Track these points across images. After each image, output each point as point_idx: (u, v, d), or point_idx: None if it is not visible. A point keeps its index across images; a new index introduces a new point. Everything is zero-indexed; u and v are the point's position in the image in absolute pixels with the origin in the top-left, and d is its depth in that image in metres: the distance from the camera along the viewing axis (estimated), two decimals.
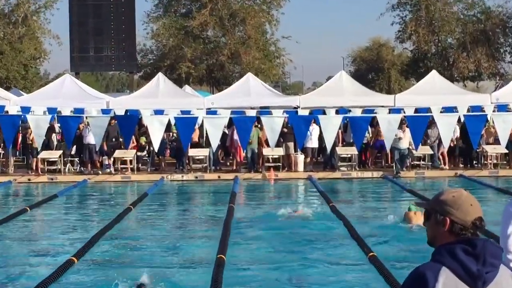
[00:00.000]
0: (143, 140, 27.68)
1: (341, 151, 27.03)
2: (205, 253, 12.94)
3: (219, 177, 26.25)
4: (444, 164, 26.93)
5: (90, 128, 26.03)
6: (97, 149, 26.57)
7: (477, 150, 26.75)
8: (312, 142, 26.56)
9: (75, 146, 27.46)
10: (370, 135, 27.48)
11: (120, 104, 30.81)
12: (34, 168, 26.79)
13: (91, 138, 26.18)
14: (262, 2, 50.75)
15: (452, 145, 26.66)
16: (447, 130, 24.91)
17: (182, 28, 49.04)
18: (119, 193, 24.46)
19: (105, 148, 26.85)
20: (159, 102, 30.41)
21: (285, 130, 26.19)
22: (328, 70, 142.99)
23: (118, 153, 26.85)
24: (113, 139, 27.09)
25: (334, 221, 16.18)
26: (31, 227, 16.96)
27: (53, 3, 50.03)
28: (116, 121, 26.17)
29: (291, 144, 26.60)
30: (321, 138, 25.97)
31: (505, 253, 4.71)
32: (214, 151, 26.35)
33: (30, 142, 26.96)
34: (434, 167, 26.61)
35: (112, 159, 26.78)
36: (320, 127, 25.55)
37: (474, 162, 27.21)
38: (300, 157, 26.59)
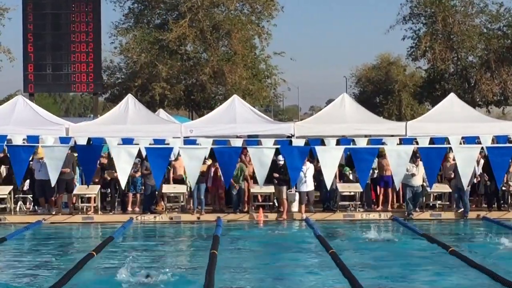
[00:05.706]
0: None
1: (343, 188, 27.19)
2: None
3: (198, 218, 26.40)
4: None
5: (42, 161, 25.96)
6: (52, 185, 26.38)
7: (503, 188, 26.96)
8: (307, 185, 26.73)
9: (28, 181, 27.44)
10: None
11: (82, 131, 30.86)
12: None
13: (44, 172, 26.11)
14: (251, 12, 50.93)
15: (475, 181, 26.89)
16: (467, 165, 25.01)
17: (156, 42, 49.16)
18: (80, 236, 24.46)
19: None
20: (128, 129, 30.51)
21: (276, 175, 26.35)
22: (329, 92, 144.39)
23: (79, 189, 26.88)
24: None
25: (334, 270, 16.28)
26: None
27: (4, 12, 50.13)
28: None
29: (283, 188, 26.63)
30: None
31: None
32: (199, 190, 26.56)
33: None
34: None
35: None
36: (317, 160, 25.66)
37: (501, 202, 27.38)
38: (295, 196, 26.66)
